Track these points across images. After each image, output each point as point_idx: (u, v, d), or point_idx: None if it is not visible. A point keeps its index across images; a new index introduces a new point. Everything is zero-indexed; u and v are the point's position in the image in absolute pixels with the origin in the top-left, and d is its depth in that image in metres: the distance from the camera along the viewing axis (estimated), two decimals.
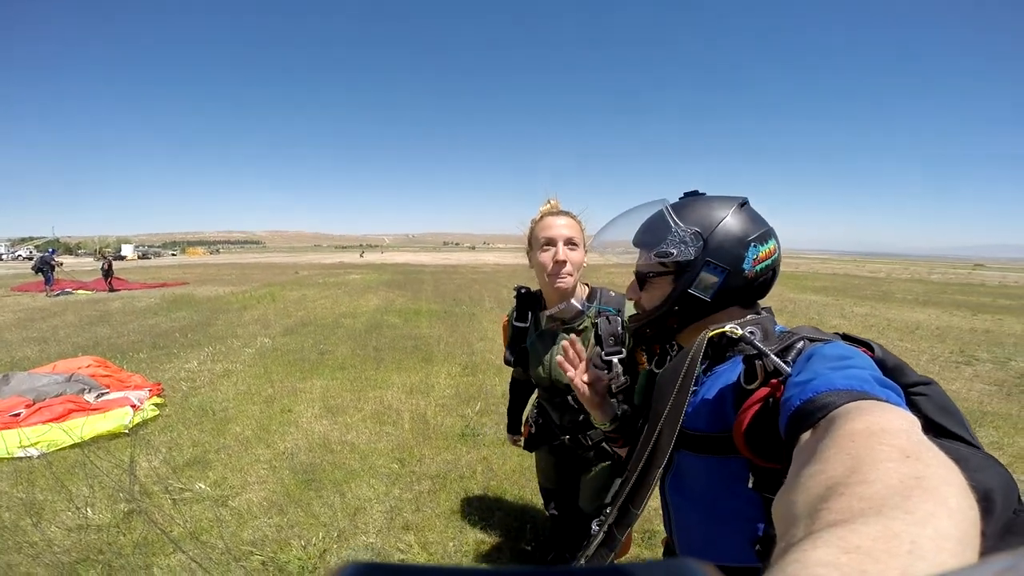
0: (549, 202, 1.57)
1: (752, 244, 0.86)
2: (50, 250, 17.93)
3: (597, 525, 0.89)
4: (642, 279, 0.96)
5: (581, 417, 1.62)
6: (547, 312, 1.57)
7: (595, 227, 1.49)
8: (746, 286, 0.88)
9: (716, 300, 0.88)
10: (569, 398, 1.62)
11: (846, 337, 0.76)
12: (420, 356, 6.69)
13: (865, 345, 0.73)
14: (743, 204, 0.90)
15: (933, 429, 0.64)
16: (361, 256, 61.65)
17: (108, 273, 16.77)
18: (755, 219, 0.89)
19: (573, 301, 1.52)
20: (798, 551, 0.28)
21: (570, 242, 1.47)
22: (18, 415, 3.96)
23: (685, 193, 0.96)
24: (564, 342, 1.09)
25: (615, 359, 1.47)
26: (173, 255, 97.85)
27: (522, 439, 1.96)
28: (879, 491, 0.32)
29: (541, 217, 1.52)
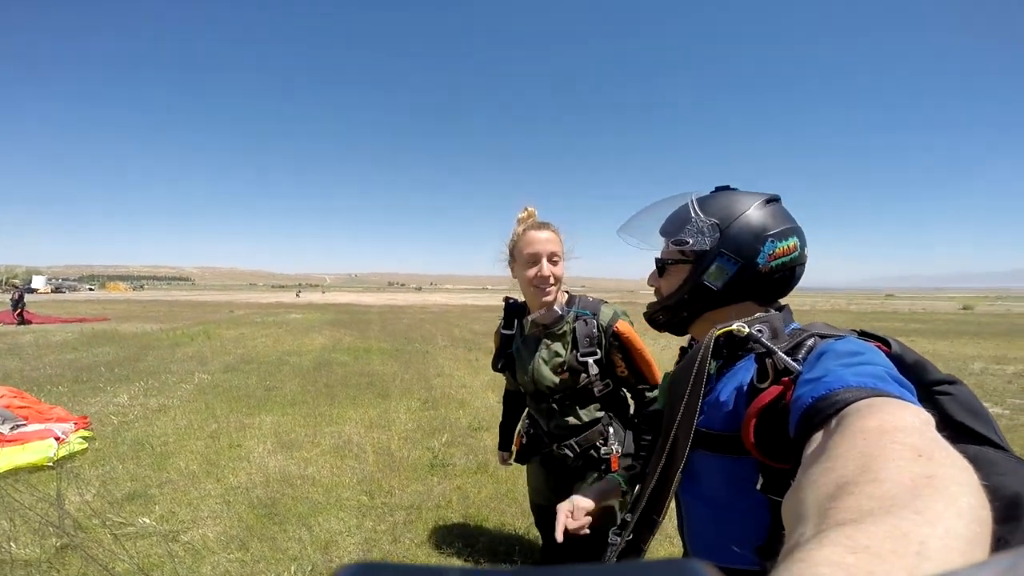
0: (527, 209, 1.62)
1: (770, 239, 0.85)
2: None
3: (616, 535, 0.88)
4: (661, 267, 0.97)
5: (569, 421, 1.61)
6: (530, 317, 1.61)
7: (572, 239, 1.60)
8: (760, 281, 0.86)
9: (727, 291, 0.87)
10: (554, 403, 1.61)
11: (863, 334, 0.75)
12: (375, 392, 6.43)
13: (882, 341, 0.71)
14: (770, 201, 0.89)
15: (959, 430, 0.62)
16: (297, 296, 58.94)
17: (18, 304, 15.23)
18: (779, 216, 0.88)
19: (554, 307, 1.57)
20: (804, 550, 0.27)
21: (552, 256, 1.52)
22: None
23: (716, 188, 0.96)
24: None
25: (591, 360, 1.53)
26: (91, 289, 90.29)
27: (512, 455, 1.92)
28: (889, 490, 0.31)
29: (524, 231, 1.55)
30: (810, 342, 0.70)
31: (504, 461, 1.98)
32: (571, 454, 1.61)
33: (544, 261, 1.50)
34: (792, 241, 0.86)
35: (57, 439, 3.87)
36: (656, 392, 1.58)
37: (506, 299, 1.76)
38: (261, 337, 12.70)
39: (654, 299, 1.01)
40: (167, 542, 2.55)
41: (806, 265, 0.92)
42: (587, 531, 1.08)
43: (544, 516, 1.87)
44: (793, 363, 0.66)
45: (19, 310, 15.26)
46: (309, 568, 2.39)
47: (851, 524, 0.28)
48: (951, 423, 0.62)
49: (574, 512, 1.09)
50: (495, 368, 1.77)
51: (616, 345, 1.55)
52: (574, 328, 1.56)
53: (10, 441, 3.77)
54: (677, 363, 1.03)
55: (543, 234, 1.52)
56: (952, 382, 0.66)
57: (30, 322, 15.26)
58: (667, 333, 1.05)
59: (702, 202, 0.91)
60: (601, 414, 1.63)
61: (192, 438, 4.41)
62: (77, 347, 10.09)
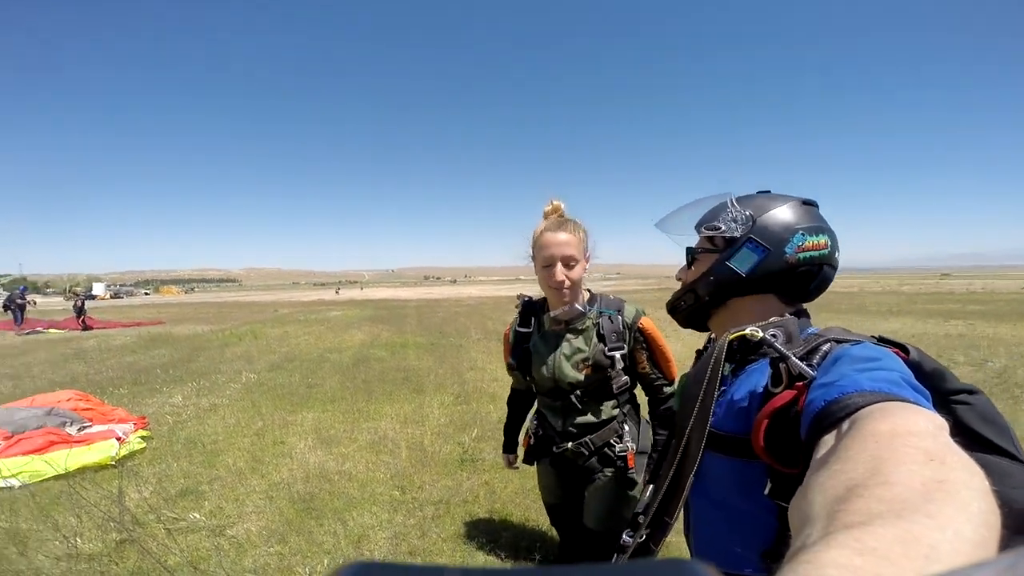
0: (552, 203, 1.61)
1: (800, 232, 0.86)
2: (20, 288, 17.43)
3: (629, 536, 0.88)
4: (691, 258, 0.99)
5: (586, 419, 1.62)
6: (551, 313, 1.61)
7: (594, 237, 1.63)
8: (785, 272, 0.87)
9: (751, 278, 0.88)
10: (573, 397, 1.60)
11: (882, 340, 0.73)
12: (411, 387, 6.61)
13: (900, 347, 0.70)
14: (806, 202, 0.91)
15: (975, 440, 0.61)
16: (337, 292, 60.51)
17: (81, 311, 16.34)
18: (813, 216, 0.89)
19: (576, 304, 1.58)
20: (811, 552, 0.27)
21: (568, 260, 1.51)
22: None
23: (758, 192, 0.97)
24: None
25: (618, 354, 1.55)
26: (147, 294, 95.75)
27: (518, 457, 1.90)
28: (900, 493, 0.31)
29: (542, 231, 1.55)
30: (826, 347, 0.70)
31: (510, 464, 1.97)
32: (586, 452, 1.63)
33: (558, 266, 1.50)
34: (823, 238, 0.87)
35: (118, 439, 4.18)
36: (674, 387, 1.61)
37: (520, 296, 1.77)
38: (304, 335, 13.17)
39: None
40: (214, 536, 2.76)
41: (836, 270, 0.92)
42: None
43: (558, 514, 1.88)
44: (807, 368, 0.66)
45: (82, 316, 16.37)
46: (341, 561, 2.52)
47: (860, 526, 0.28)
48: (967, 432, 0.61)
49: None
50: (509, 368, 1.76)
51: (641, 340, 1.60)
52: (598, 324, 1.58)
53: (78, 442, 4.10)
54: (693, 366, 1.04)
55: (560, 236, 1.52)
56: (971, 392, 0.64)
57: (92, 327, 16.34)
58: (688, 330, 1.06)
59: (740, 199, 0.94)
60: (616, 411, 1.64)
61: (240, 436, 4.67)
62: (136, 350, 10.77)
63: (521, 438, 1.90)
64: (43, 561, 2.51)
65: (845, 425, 0.48)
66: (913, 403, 0.48)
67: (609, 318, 1.58)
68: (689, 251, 0.99)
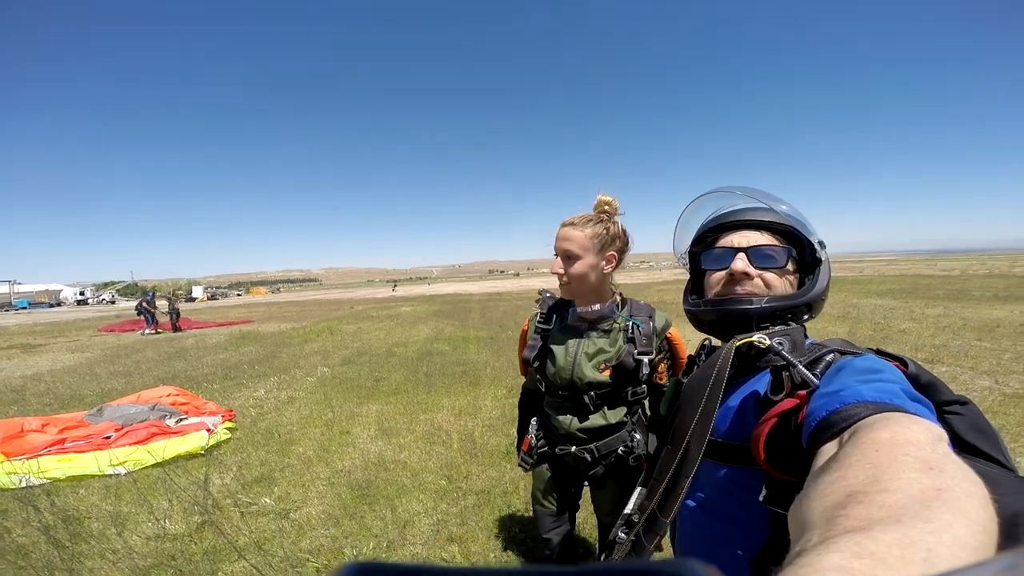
0: (599, 198, 1.57)
1: None
2: (149, 295, 19.35)
3: (623, 533, 0.90)
4: (767, 258, 0.89)
5: (595, 422, 1.57)
6: (578, 310, 1.58)
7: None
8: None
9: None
10: (586, 398, 1.57)
11: (880, 352, 0.74)
12: (468, 380, 6.83)
13: (899, 360, 0.71)
14: None
15: (965, 448, 0.62)
16: (393, 290, 62.85)
17: (175, 315, 18.01)
18: None
19: (601, 305, 1.55)
20: (811, 555, 0.28)
21: (568, 254, 1.50)
22: (109, 438, 4.43)
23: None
24: None
25: (646, 359, 1.50)
26: (239, 295, 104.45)
27: (520, 458, 1.80)
28: (899, 500, 0.32)
29: (561, 225, 1.55)
30: (829, 357, 0.72)
31: (523, 463, 1.81)
32: (588, 458, 1.60)
33: (557, 259, 1.52)
34: None
35: (208, 431, 4.71)
36: None
37: (542, 291, 1.76)
38: (375, 331, 13.89)
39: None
40: (280, 519, 3.07)
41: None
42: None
43: (549, 523, 1.76)
44: (811, 376, 0.68)
45: (175, 320, 18.03)
46: (385, 544, 2.74)
47: (860, 531, 0.29)
48: (958, 441, 0.62)
49: None
50: (525, 362, 1.67)
51: (666, 350, 1.59)
52: (627, 327, 1.55)
53: (175, 433, 4.66)
54: (685, 373, 1.02)
55: (565, 231, 1.52)
56: (963, 403, 0.66)
57: (182, 329, 17.91)
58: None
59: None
60: (626, 419, 1.60)
61: (311, 426, 5.09)
62: (227, 348, 11.88)
63: (523, 442, 1.83)
64: (136, 541, 2.90)
65: (846, 435, 0.50)
66: (913, 414, 0.49)
67: (639, 324, 1.56)
68: (773, 252, 0.89)
